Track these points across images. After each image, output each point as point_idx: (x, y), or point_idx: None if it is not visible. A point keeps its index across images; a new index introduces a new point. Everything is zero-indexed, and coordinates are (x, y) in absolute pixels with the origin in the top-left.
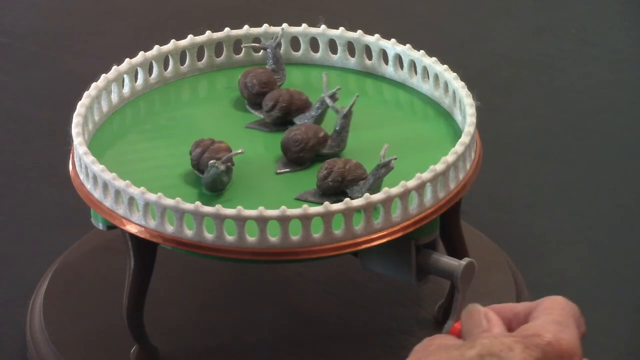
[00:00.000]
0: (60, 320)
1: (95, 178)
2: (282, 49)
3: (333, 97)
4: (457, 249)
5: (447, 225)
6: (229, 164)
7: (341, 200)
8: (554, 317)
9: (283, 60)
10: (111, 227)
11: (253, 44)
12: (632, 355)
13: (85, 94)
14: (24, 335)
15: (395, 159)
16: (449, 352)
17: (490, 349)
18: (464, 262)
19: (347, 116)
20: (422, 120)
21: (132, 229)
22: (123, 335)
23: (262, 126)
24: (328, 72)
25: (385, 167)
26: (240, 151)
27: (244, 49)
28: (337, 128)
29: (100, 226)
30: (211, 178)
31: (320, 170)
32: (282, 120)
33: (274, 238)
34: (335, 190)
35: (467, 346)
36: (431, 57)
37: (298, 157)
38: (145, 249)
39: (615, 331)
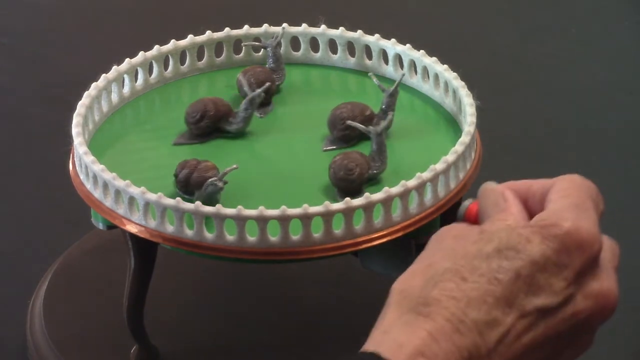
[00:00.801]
0: (61, 320)
1: (95, 178)
2: (282, 48)
3: (256, 98)
4: None
5: (447, 224)
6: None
7: None
8: (571, 199)
9: (283, 60)
10: (111, 226)
11: (253, 43)
12: (632, 355)
13: (86, 93)
14: (24, 335)
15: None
16: (465, 247)
17: (507, 242)
18: None
19: (394, 95)
20: (422, 119)
21: (132, 228)
22: (123, 335)
23: (190, 139)
24: (328, 71)
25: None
26: (234, 167)
27: (244, 49)
28: (383, 107)
29: (100, 226)
30: (209, 196)
31: (340, 171)
32: (211, 129)
33: (274, 238)
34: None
35: (484, 240)
36: (431, 57)
37: (344, 135)
38: (145, 249)
39: (615, 331)
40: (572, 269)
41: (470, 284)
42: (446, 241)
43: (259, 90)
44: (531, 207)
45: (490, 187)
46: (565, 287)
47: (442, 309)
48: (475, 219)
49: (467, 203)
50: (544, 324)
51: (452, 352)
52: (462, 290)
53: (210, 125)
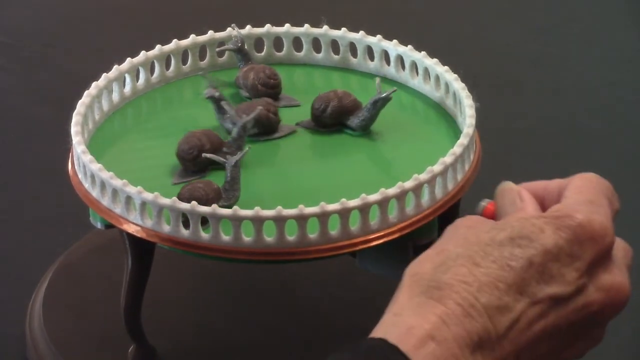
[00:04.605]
0: (60, 320)
1: (93, 177)
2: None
3: (247, 125)
4: None
5: (445, 226)
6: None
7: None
8: (586, 196)
9: (239, 181)
10: (109, 226)
11: (217, 158)
12: (632, 356)
13: (86, 92)
14: (24, 335)
15: (395, 90)
16: (478, 235)
17: (520, 231)
18: None
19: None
20: (423, 121)
21: (129, 228)
22: (122, 334)
23: (188, 176)
24: (330, 72)
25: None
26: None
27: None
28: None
29: (99, 225)
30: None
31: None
32: (207, 163)
33: (269, 238)
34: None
35: (497, 229)
36: (432, 56)
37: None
38: (142, 248)
39: (615, 331)
40: (585, 260)
41: (482, 269)
42: (460, 230)
43: (250, 116)
44: (547, 207)
45: (507, 187)
46: (577, 278)
47: (453, 293)
48: (492, 218)
49: (484, 203)
50: (555, 313)
51: (461, 337)
52: (474, 275)
53: (206, 159)
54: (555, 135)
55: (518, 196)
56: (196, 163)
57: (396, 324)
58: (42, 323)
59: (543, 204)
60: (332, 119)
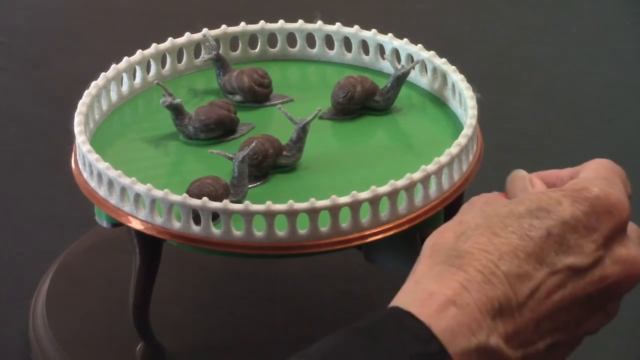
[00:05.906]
0: (63, 318)
1: (100, 176)
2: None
3: (307, 126)
4: None
5: (451, 217)
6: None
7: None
8: (601, 174)
9: (246, 176)
10: (115, 224)
11: (225, 154)
12: (632, 356)
13: (86, 92)
14: (26, 335)
15: (418, 62)
16: (496, 209)
17: (538, 204)
18: None
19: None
20: (421, 113)
21: (138, 226)
22: (127, 332)
23: (252, 182)
24: (325, 67)
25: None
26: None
27: (240, 46)
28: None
29: (105, 224)
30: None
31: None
32: (270, 168)
33: (281, 232)
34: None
35: (515, 203)
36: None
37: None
38: (151, 246)
39: (615, 331)
40: (601, 232)
41: (501, 239)
42: (477, 205)
43: (310, 117)
44: None
45: (518, 175)
46: (594, 250)
47: (473, 260)
48: None
49: (494, 193)
50: (573, 283)
51: (483, 302)
52: (494, 244)
53: (271, 164)
54: (555, 136)
55: (529, 182)
56: (260, 168)
57: (417, 290)
58: (46, 322)
59: None
60: (359, 104)
